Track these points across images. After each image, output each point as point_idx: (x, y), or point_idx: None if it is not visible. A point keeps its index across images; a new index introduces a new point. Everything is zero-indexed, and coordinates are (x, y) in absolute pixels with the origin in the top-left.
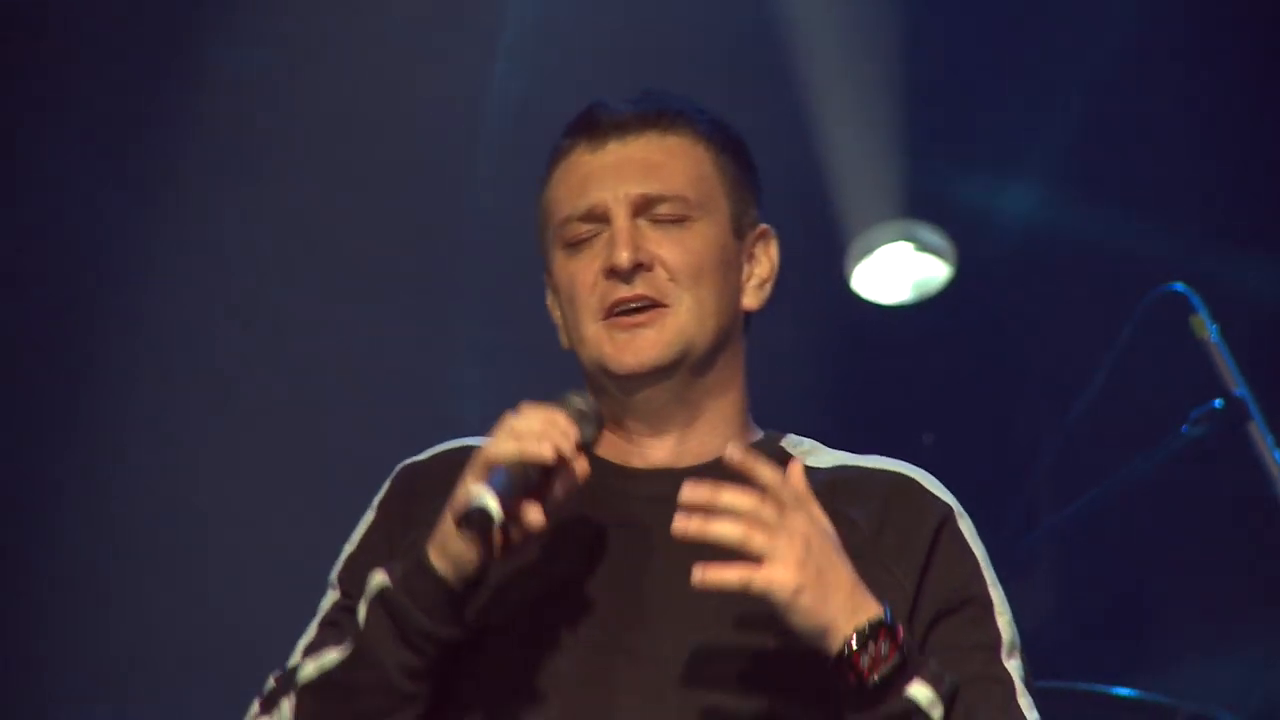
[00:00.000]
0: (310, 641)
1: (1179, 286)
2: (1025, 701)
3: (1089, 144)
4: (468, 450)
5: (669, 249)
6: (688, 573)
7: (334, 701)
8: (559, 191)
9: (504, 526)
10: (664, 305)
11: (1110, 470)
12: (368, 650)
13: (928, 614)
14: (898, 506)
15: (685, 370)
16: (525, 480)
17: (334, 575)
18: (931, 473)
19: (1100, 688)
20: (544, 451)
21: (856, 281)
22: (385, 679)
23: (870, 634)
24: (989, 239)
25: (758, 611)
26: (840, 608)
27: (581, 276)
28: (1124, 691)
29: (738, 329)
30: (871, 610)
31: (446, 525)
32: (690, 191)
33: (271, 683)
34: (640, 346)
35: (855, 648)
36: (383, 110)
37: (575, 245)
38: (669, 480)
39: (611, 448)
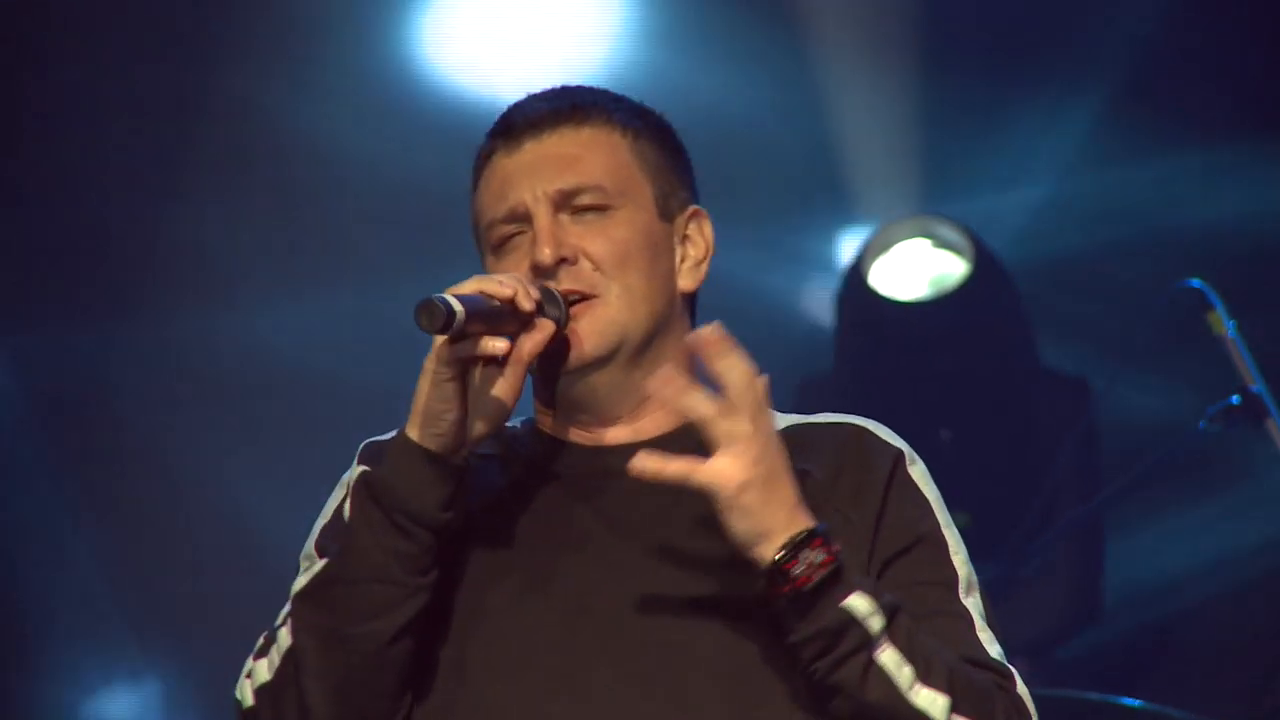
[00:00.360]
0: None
1: (1196, 283)
2: (986, 636)
3: (1107, 139)
4: None
5: (591, 239)
6: (651, 535)
7: (329, 602)
8: (483, 197)
9: (464, 340)
10: (593, 296)
11: (1128, 467)
12: (357, 539)
13: (882, 555)
14: (851, 455)
15: (623, 357)
16: (488, 310)
17: (309, 547)
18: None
19: (1108, 698)
20: (503, 291)
21: (874, 278)
22: (379, 567)
23: (804, 542)
24: (1007, 235)
25: (729, 575)
26: (778, 517)
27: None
28: (1132, 702)
29: (676, 311)
30: (804, 521)
31: (417, 390)
32: (608, 180)
33: (260, 640)
34: (575, 340)
35: (786, 556)
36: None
37: (502, 247)
38: (627, 454)
39: (567, 434)
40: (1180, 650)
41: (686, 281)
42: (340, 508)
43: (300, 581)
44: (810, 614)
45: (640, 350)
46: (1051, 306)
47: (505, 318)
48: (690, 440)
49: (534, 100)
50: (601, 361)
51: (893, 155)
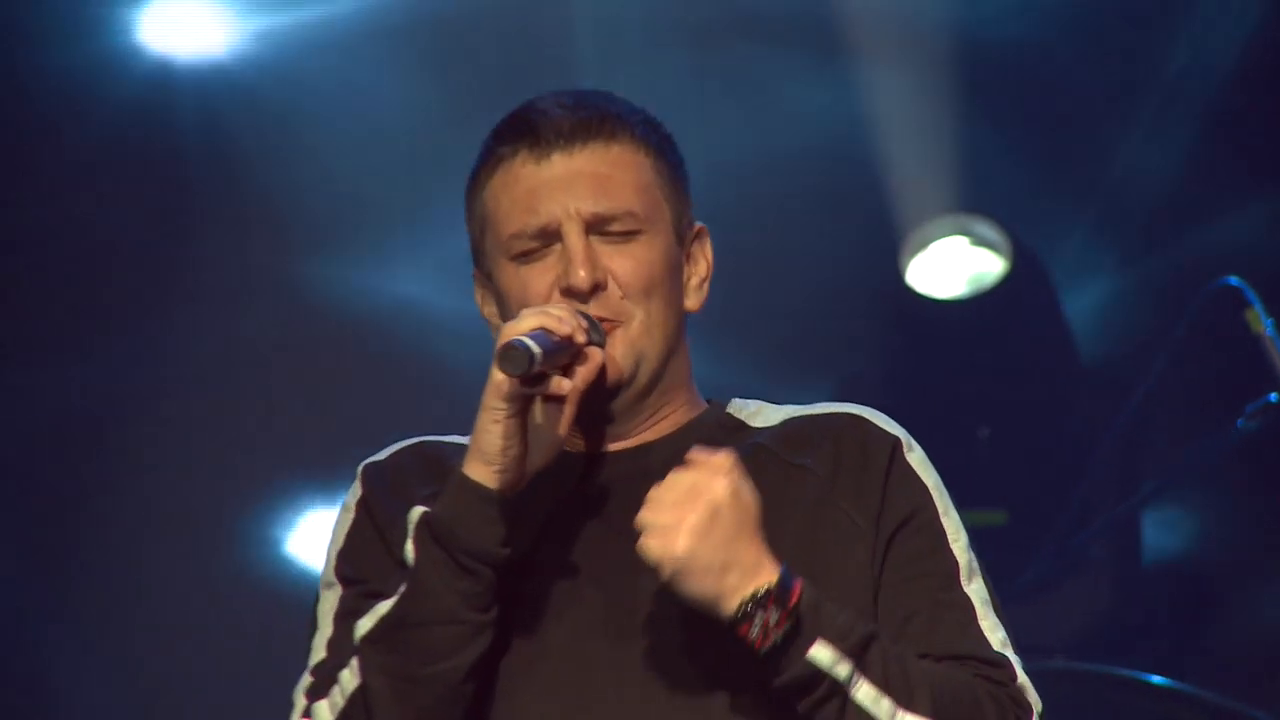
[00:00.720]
0: (332, 637)
1: (1234, 280)
2: (988, 624)
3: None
4: (427, 445)
5: (621, 264)
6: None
7: (399, 645)
8: (503, 203)
9: (537, 381)
10: (618, 323)
11: (1166, 465)
12: (422, 582)
13: (883, 547)
14: (848, 445)
15: (640, 382)
16: (551, 346)
17: (329, 574)
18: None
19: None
20: (562, 328)
21: (912, 276)
22: (447, 610)
23: (758, 604)
24: (1041, 231)
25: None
26: (732, 580)
27: (534, 288)
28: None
29: (681, 331)
30: (761, 576)
31: (477, 428)
32: (638, 205)
33: (308, 678)
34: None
35: (741, 619)
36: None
37: (526, 259)
38: (641, 455)
39: (578, 439)
40: (1216, 640)
41: (692, 301)
42: (354, 531)
43: (365, 625)
44: (777, 669)
45: (656, 374)
46: (1088, 303)
47: (563, 352)
48: (685, 443)
49: (557, 107)
50: (622, 386)
51: (930, 153)
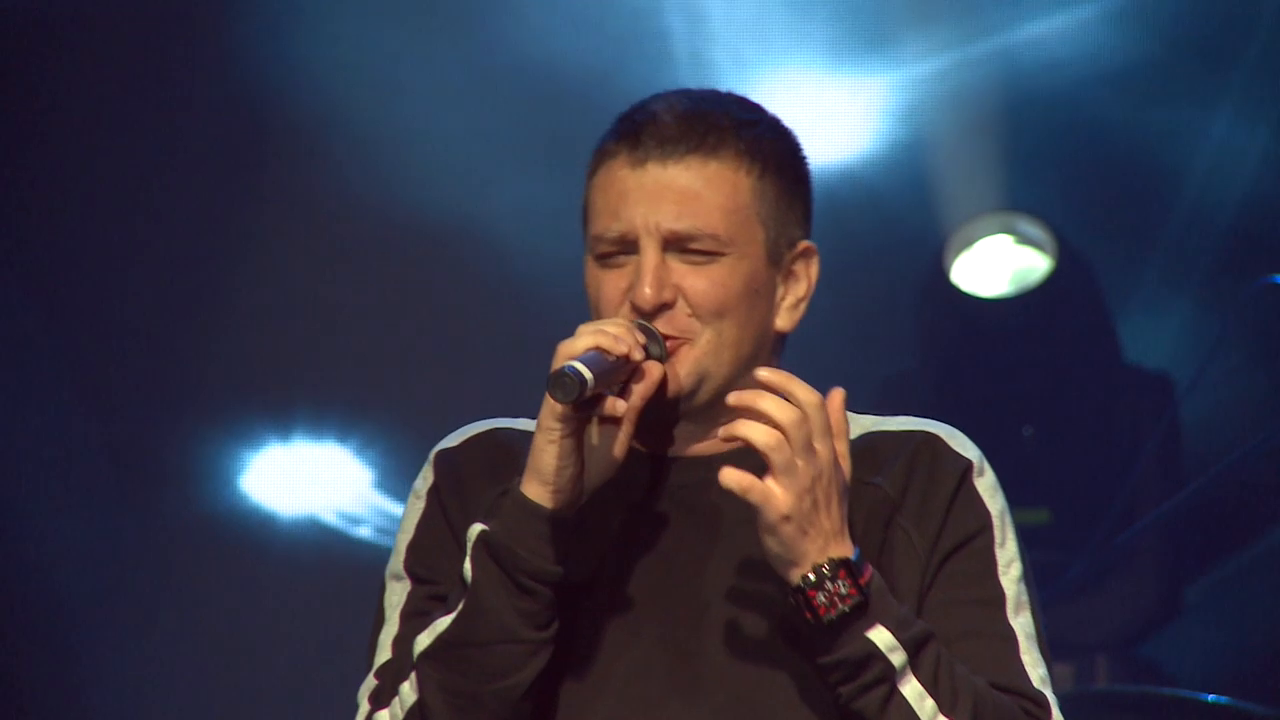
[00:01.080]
0: (398, 634)
1: (1278, 279)
2: (1030, 658)
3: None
4: (500, 433)
5: (694, 283)
6: (724, 553)
7: (458, 664)
8: (597, 201)
9: (591, 404)
10: (683, 340)
11: (1211, 464)
12: (480, 601)
13: (934, 570)
14: (921, 467)
15: (701, 399)
16: (606, 367)
17: (398, 566)
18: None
19: (1190, 694)
20: (618, 347)
21: (956, 274)
22: (505, 628)
23: (830, 573)
24: (1091, 231)
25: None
26: (814, 546)
27: (607, 293)
28: (1214, 699)
29: (766, 350)
30: (838, 550)
31: (533, 448)
32: (723, 227)
33: (373, 680)
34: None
35: (812, 583)
36: None
37: (604, 261)
38: (709, 466)
39: (652, 440)
40: (1263, 647)
41: (783, 321)
42: (424, 522)
43: (423, 641)
44: (833, 644)
45: (721, 391)
46: (1133, 303)
47: (619, 370)
48: (755, 456)
49: (667, 111)
50: (681, 400)
51: (976, 151)
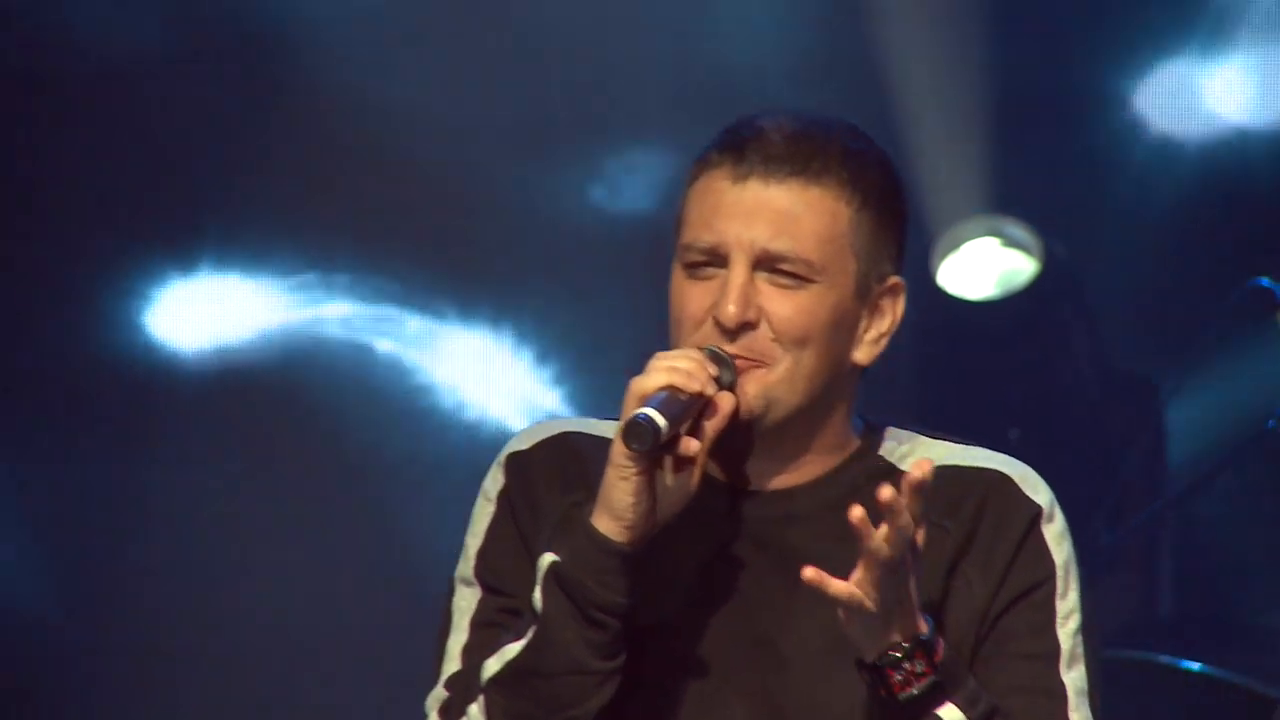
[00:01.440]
0: (467, 643)
1: (1265, 281)
2: (1079, 716)
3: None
4: (572, 437)
5: (780, 308)
6: (806, 600)
7: (526, 692)
8: (693, 210)
9: (665, 446)
10: (761, 364)
11: (1197, 466)
12: (550, 633)
13: (991, 620)
14: (990, 510)
15: (770, 422)
16: (679, 407)
17: (468, 571)
18: None
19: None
20: (691, 384)
21: (942, 277)
22: (574, 660)
23: (908, 654)
24: (1077, 233)
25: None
26: (893, 625)
27: (690, 307)
28: (1194, 666)
29: (842, 382)
30: (915, 629)
31: (605, 482)
32: (816, 255)
33: (444, 691)
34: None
35: (889, 663)
36: None
37: (692, 269)
38: (784, 500)
39: (721, 469)
40: (1250, 633)
41: (862, 354)
42: (494, 527)
43: (492, 667)
44: (903, 717)
45: (790, 419)
46: (1120, 305)
47: (692, 407)
48: (833, 491)
49: (776, 130)
50: (754, 422)
51: (961, 154)
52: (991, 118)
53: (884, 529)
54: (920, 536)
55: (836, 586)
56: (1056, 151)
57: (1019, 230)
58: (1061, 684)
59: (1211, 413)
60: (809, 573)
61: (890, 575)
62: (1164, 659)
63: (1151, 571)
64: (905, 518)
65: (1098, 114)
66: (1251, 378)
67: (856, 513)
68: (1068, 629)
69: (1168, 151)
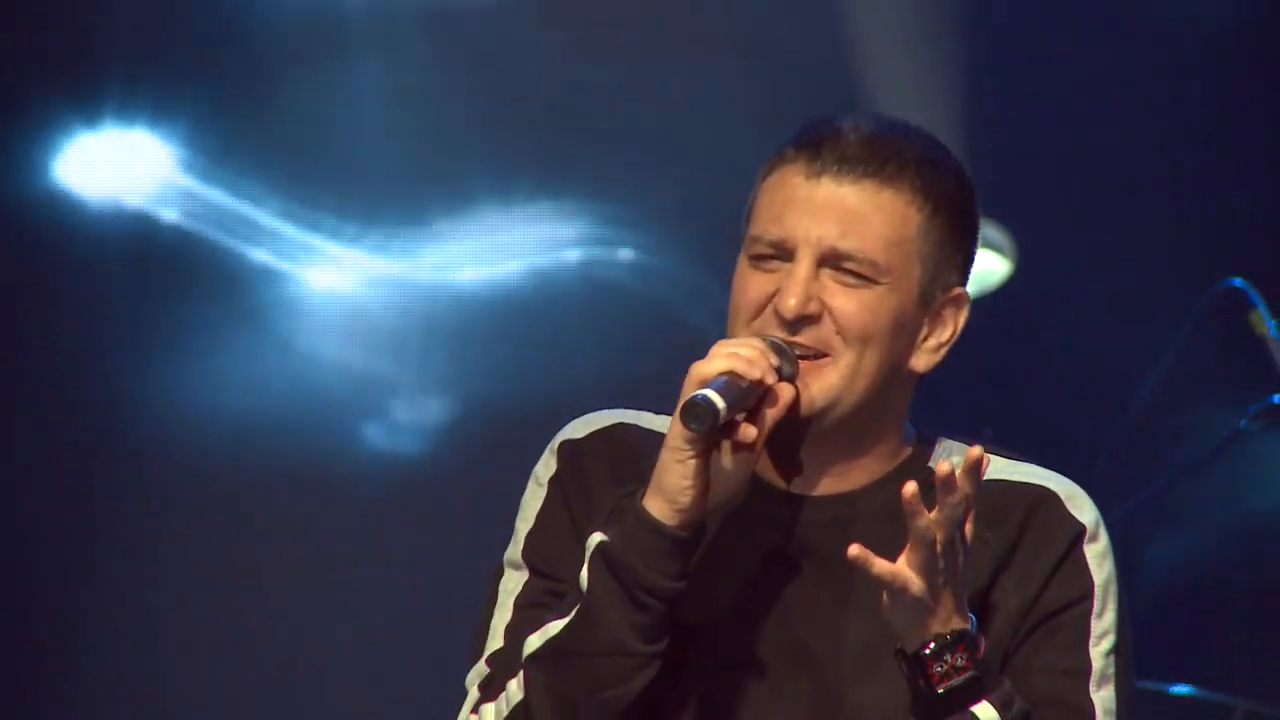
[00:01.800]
0: (511, 622)
1: (1238, 282)
2: None
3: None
4: (625, 429)
5: (844, 304)
6: (858, 605)
7: (566, 670)
8: (763, 202)
9: (723, 430)
10: (825, 356)
11: (1168, 466)
12: (594, 612)
13: (1023, 636)
14: (1034, 526)
15: (830, 422)
16: (739, 393)
17: (516, 554)
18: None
19: (1155, 685)
20: (752, 371)
21: None
22: (617, 641)
23: (949, 645)
24: (1049, 234)
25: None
26: (936, 617)
27: (752, 295)
28: (1180, 689)
29: (899, 388)
30: (958, 622)
31: (660, 464)
32: (883, 256)
33: (485, 668)
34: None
35: (931, 653)
36: None
37: (757, 262)
38: (838, 505)
39: (767, 475)
40: (1221, 642)
41: (921, 362)
42: (545, 512)
43: (534, 643)
44: (938, 712)
45: (846, 420)
46: (1094, 305)
47: (751, 395)
48: (885, 496)
49: (853, 131)
50: (811, 419)
51: None
52: (962, 117)
53: (935, 512)
54: (970, 526)
55: (881, 566)
56: (1029, 152)
57: (992, 231)
58: (1090, 702)
59: (1184, 414)
60: (854, 550)
61: (936, 560)
62: (1142, 685)
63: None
64: (959, 496)
65: (1069, 113)
66: (1224, 379)
67: (910, 488)
68: (1101, 648)
69: (1136, 150)
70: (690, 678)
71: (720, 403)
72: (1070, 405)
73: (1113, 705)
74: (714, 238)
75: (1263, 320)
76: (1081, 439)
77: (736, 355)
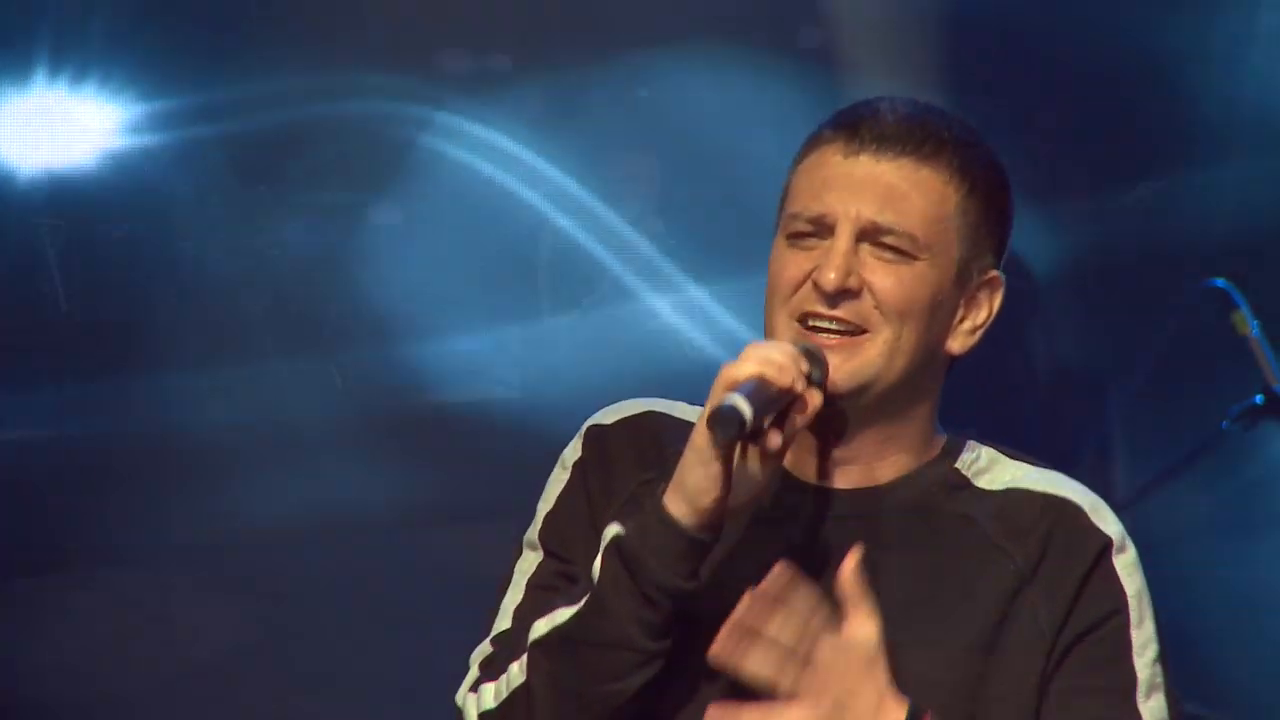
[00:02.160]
0: (521, 603)
1: (1220, 282)
2: None
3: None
4: (655, 418)
5: (883, 279)
6: (880, 604)
7: (570, 658)
8: (801, 182)
9: (749, 436)
10: (863, 331)
11: (1152, 466)
12: (604, 603)
13: (1060, 654)
14: (1058, 540)
15: (866, 400)
16: (767, 400)
17: (533, 535)
18: None
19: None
20: (782, 379)
21: None
22: (623, 634)
23: None
24: (1030, 234)
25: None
26: None
27: (790, 272)
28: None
29: (933, 369)
30: (893, 716)
31: (682, 464)
32: (921, 231)
33: (489, 647)
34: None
35: None
36: None
37: (795, 240)
38: (862, 501)
39: (795, 467)
40: (1198, 649)
41: (956, 344)
42: (566, 495)
43: (540, 629)
44: None
45: (883, 400)
46: (1076, 305)
47: (780, 401)
48: (908, 493)
49: (890, 111)
50: (845, 398)
51: None
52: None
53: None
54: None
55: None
56: (1008, 150)
57: None
58: (1138, 713)
59: (1166, 414)
60: (715, 649)
61: (823, 676)
62: None
63: None
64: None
65: (1049, 112)
66: (1206, 379)
67: (850, 566)
68: (1145, 658)
69: (1121, 149)
70: (700, 667)
71: (748, 412)
72: (1050, 406)
73: (1164, 714)
74: None
75: (1245, 320)
76: (1062, 440)
77: (769, 361)
